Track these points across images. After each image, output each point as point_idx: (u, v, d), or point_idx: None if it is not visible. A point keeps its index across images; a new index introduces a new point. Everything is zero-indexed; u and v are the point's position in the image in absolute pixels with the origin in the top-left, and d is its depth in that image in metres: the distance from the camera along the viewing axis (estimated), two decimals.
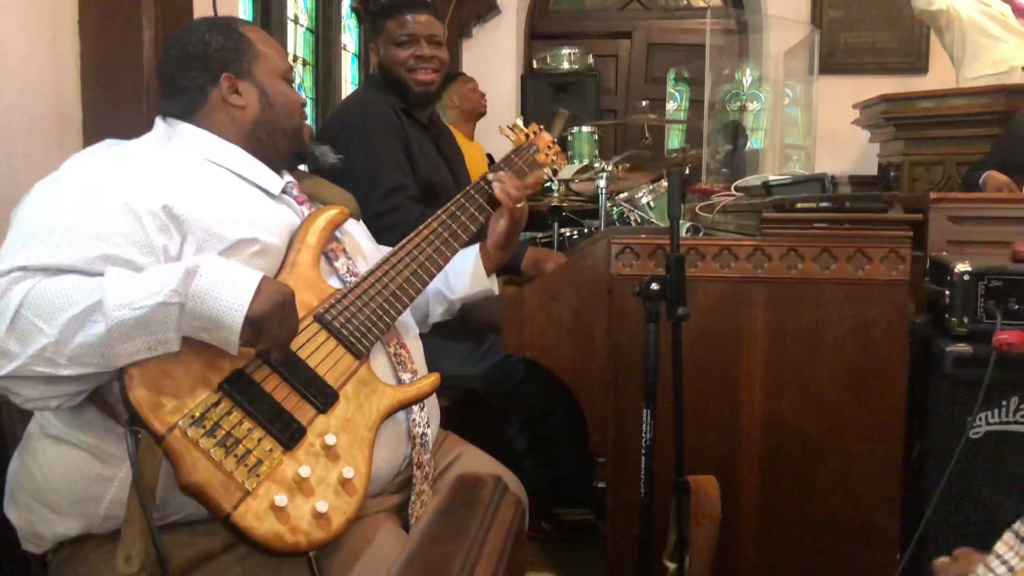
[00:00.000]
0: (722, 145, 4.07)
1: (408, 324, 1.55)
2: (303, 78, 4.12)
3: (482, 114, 4.34)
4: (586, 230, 3.35)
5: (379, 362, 1.40)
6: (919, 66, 5.32)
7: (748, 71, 4.52)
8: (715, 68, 4.24)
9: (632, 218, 3.34)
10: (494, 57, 5.52)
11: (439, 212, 1.57)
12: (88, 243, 1.17)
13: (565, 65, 5.55)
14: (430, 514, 0.89)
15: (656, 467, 1.48)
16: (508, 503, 0.93)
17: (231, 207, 1.32)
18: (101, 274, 1.14)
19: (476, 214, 1.61)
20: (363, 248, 1.55)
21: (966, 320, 1.67)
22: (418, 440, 1.42)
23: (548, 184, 3.42)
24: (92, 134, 2.02)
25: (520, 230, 1.73)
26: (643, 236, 1.80)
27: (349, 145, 1.93)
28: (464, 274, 1.69)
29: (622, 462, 1.75)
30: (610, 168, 3.40)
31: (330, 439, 1.24)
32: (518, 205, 1.65)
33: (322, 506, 1.19)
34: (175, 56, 1.45)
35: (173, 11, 2.13)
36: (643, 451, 1.47)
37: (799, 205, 1.90)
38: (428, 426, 1.44)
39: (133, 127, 1.47)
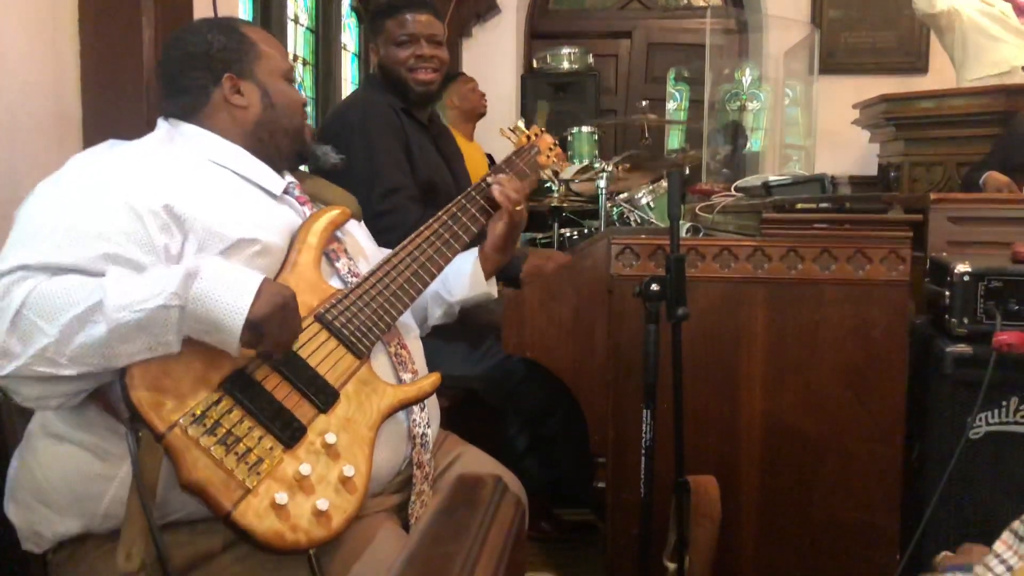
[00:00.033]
0: (722, 145, 4.07)
1: (409, 324, 1.55)
2: (303, 78, 4.12)
3: (482, 114, 4.33)
4: (586, 230, 3.36)
5: (380, 362, 1.40)
6: (919, 66, 5.32)
7: (748, 71, 4.53)
8: (715, 68, 4.24)
9: (632, 218, 3.35)
10: (494, 57, 5.51)
11: (440, 213, 1.57)
12: (89, 242, 1.18)
13: (565, 65, 5.55)
14: (430, 514, 0.89)
15: (656, 467, 1.49)
16: (508, 503, 0.93)
17: (233, 207, 1.32)
18: (103, 273, 1.15)
19: (477, 216, 1.61)
20: (364, 249, 1.55)
21: (966, 321, 1.67)
22: (418, 440, 1.42)
23: (548, 185, 3.42)
24: (92, 134, 2.02)
25: (519, 233, 1.73)
26: (643, 236, 1.80)
27: (349, 145, 1.93)
28: (463, 277, 1.69)
29: (622, 462, 1.75)
30: (610, 168, 3.40)
31: (331, 438, 1.24)
32: (517, 208, 1.66)
33: (323, 504, 1.19)
34: (177, 56, 1.44)
35: (173, 11, 2.13)
36: (643, 451, 1.47)
37: (799, 206, 1.90)
38: (428, 426, 1.44)
39: (133, 127, 1.47)
